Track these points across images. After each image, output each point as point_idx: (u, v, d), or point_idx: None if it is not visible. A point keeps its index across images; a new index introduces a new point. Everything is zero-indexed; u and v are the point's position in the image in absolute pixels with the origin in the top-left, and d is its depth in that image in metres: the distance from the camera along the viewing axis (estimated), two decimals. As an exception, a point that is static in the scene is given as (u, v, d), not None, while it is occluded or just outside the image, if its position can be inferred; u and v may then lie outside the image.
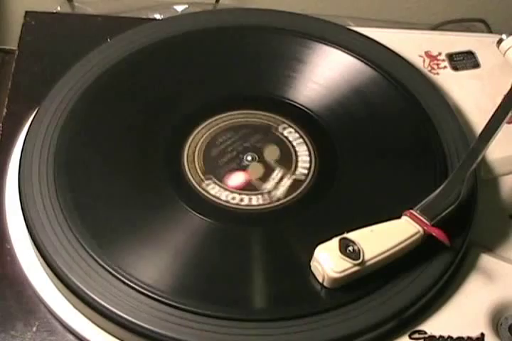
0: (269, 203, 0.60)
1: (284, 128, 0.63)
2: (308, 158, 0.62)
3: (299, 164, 0.62)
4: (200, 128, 0.64)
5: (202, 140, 0.63)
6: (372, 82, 0.66)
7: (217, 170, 0.62)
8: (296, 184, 0.61)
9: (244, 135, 0.63)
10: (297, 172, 0.61)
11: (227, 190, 0.60)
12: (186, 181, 0.61)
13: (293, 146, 0.63)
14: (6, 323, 0.57)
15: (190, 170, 0.61)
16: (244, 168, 0.62)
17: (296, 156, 0.62)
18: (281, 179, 0.61)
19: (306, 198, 0.60)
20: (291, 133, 0.63)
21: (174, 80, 0.66)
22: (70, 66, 0.66)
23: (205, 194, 0.60)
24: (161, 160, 0.61)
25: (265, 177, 0.61)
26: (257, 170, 0.62)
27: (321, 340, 0.53)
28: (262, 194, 0.60)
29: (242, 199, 0.60)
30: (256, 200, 0.60)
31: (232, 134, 0.63)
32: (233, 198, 0.60)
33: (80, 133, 0.62)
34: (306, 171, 0.61)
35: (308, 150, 0.63)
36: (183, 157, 0.62)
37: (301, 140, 0.63)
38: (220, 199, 0.60)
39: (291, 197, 0.60)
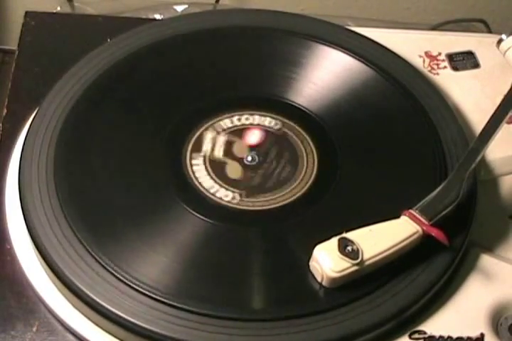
0: (268, 203, 0.60)
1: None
2: (308, 157, 0.62)
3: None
4: (201, 128, 0.64)
5: (203, 140, 0.63)
6: (372, 83, 0.66)
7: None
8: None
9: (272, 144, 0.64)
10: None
11: (207, 173, 0.61)
12: (187, 180, 0.61)
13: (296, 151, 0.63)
14: (6, 323, 0.57)
15: (190, 169, 0.61)
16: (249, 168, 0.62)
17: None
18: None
19: (305, 198, 0.60)
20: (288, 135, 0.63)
21: (174, 80, 0.66)
22: (70, 66, 0.66)
23: (206, 193, 0.60)
24: (162, 160, 0.61)
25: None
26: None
27: (321, 340, 0.53)
28: (233, 192, 0.60)
29: (212, 187, 0.60)
30: (221, 194, 0.60)
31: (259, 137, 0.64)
32: (205, 182, 0.60)
33: (80, 133, 0.62)
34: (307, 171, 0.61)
35: (309, 150, 0.63)
36: (184, 156, 0.62)
37: (302, 142, 0.63)
38: (220, 199, 0.60)
39: (291, 197, 0.60)
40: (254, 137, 0.63)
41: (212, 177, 0.61)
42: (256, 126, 0.64)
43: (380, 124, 0.65)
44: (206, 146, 0.63)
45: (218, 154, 0.62)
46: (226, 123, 0.64)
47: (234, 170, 0.62)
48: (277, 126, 0.64)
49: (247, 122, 0.64)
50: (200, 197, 0.60)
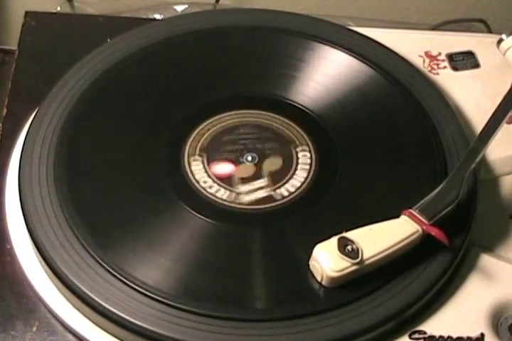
0: (268, 204, 0.60)
1: (303, 150, 0.63)
2: (308, 157, 0.62)
3: (287, 185, 0.61)
4: (200, 128, 0.64)
5: (203, 140, 0.63)
6: (372, 82, 0.66)
7: (214, 153, 0.62)
8: (271, 197, 0.60)
9: (263, 137, 0.63)
10: (277, 191, 0.60)
11: (206, 172, 0.61)
12: (187, 180, 0.61)
13: (296, 168, 0.62)
14: (6, 323, 0.57)
15: (190, 169, 0.61)
16: (237, 163, 0.62)
17: (290, 178, 0.61)
18: (258, 189, 0.61)
19: (305, 198, 0.60)
20: (304, 155, 0.63)
21: (174, 80, 0.66)
22: (70, 66, 0.66)
23: (206, 193, 0.60)
24: (162, 160, 0.61)
25: (248, 180, 0.61)
26: (246, 170, 0.62)
27: (321, 340, 0.53)
28: (231, 191, 0.60)
29: (211, 186, 0.60)
30: (221, 194, 0.60)
31: (251, 131, 0.64)
32: (205, 181, 0.60)
33: (80, 133, 0.62)
34: (286, 193, 0.60)
35: (309, 150, 0.63)
36: (184, 156, 0.62)
37: (302, 142, 0.63)
38: (220, 199, 0.60)
39: (291, 196, 0.60)
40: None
41: (208, 175, 0.61)
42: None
43: (380, 124, 0.65)
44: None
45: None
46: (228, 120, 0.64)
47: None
48: (298, 145, 0.64)
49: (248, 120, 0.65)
50: (201, 196, 0.60)
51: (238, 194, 0.60)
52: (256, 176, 0.61)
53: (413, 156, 0.63)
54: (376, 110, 0.65)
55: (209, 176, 0.61)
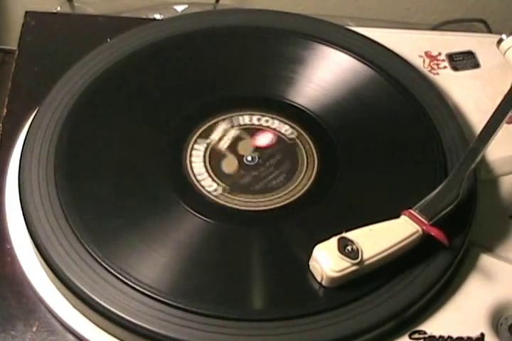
0: (268, 204, 0.60)
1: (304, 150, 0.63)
2: (308, 157, 0.62)
3: (289, 184, 0.61)
4: (200, 128, 0.64)
5: (203, 140, 0.63)
6: (372, 83, 0.66)
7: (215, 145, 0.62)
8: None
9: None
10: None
11: (203, 163, 0.61)
12: (187, 180, 0.61)
13: (296, 168, 0.62)
14: (6, 323, 0.57)
15: (190, 169, 0.61)
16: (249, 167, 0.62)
17: (291, 177, 0.61)
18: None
19: (306, 198, 0.60)
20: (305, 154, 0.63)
21: (174, 80, 0.66)
22: (70, 66, 0.66)
23: (205, 193, 0.60)
24: (162, 160, 0.61)
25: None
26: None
27: (321, 340, 0.53)
28: (219, 185, 0.60)
29: (200, 174, 0.61)
30: (206, 184, 0.60)
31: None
32: (199, 173, 0.61)
33: (80, 133, 0.62)
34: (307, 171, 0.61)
35: (309, 150, 0.63)
36: (184, 156, 0.62)
37: (302, 142, 0.63)
38: (203, 188, 0.60)
39: (291, 196, 0.60)
40: (264, 139, 0.63)
41: (205, 165, 0.61)
42: (270, 130, 0.64)
43: (380, 124, 0.65)
44: (215, 135, 0.63)
45: (223, 145, 0.63)
46: (244, 119, 0.65)
47: (229, 165, 0.62)
48: (289, 132, 0.64)
49: (264, 124, 0.65)
50: (200, 196, 0.60)
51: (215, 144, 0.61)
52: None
53: (413, 156, 0.63)
54: (376, 110, 0.65)
55: (203, 163, 0.61)
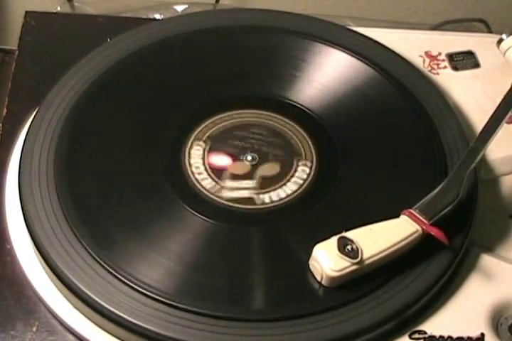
0: (268, 204, 0.60)
1: (304, 165, 0.62)
2: (308, 157, 0.62)
3: (272, 193, 0.60)
4: (201, 128, 0.64)
5: (203, 140, 0.63)
6: (373, 82, 0.66)
7: (217, 144, 0.62)
8: (251, 200, 0.60)
9: (272, 142, 0.63)
10: (260, 196, 0.60)
11: (202, 160, 0.61)
12: (186, 180, 0.61)
13: (289, 180, 0.62)
14: (6, 323, 0.57)
15: (190, 169, 0.61)
16: (235, 159, 0.62)
17: (279, 187, 0.61)
18: (243, 189, 0.60)
19: (305, 198, 0.60)
20: (304, 164, 0.63)
21: (174, 80, 0.66)
22: (70, 66, 0.66)
23: (206, 193, 0.60)
24: (162, 160, 0.61)
25: (237, 178, 0.61)
26: (240, 168, 0.62)
27: (321, 340, 0.53)
28: (217, 183, 0.60)
29: (200, 173, 0.61)
30: (206, 183, 0.60)
31: (263, 133, 0.64)
32: (197, 167, 0.61)
33: (80, 133, 0.62)
34: (268, 200, 0.60)
35: (309, 150, 0.63)
36: (184, 156, 0.62)
37: (302, 141, 0.63)
38: (203, 187, 0.60)
39: (291, 196, 0.60)
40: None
41: (204, 163, 0.62)
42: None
43: (380, 124, 0.65)
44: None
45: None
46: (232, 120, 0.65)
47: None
48: (289, 132, 0.64)
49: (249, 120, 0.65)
50: (201, 196, 0.60)
51: (222, 187, 0.60)
52: (247, 176, 0.61)
53: (413, 156, 0.63)
54: (376, 110, 0.65)
55: (203, 163, 0.61)
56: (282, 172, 0.62)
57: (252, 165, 0.62)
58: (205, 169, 0.61)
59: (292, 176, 0.62)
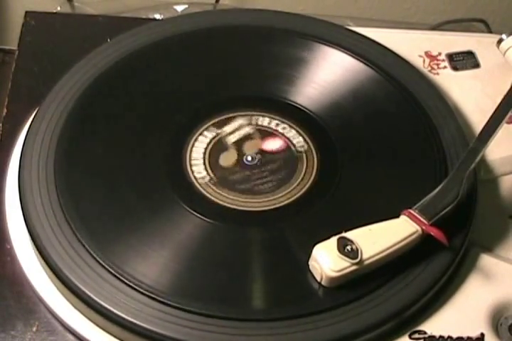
0: (268, 204, 0.60)
1: (304, 151, 0.63)
2: (308, 157, 0.62)
3: (287, 185, 0.61)
4: (201, 128, 0.64)
5: (204, 140, 0.63)
6: (372, 83, 0.66)
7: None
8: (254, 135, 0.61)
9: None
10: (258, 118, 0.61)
11: (204, 147, 0.62)
12: (186, 180, 0.61)
13: (296, 167, 0.62)
14: (6, 323, 0.57)
15: (190, 169, 0.61)
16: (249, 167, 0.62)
17: (291, 176, 0.61)
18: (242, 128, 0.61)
19: (306, 198, 0.60)
20: (305, 153, 0.63)
21: (174, 80, 0.66)
22: (70, 66, 0.66)
23: (205, 193, 0.60)
24: (161, 160, 0.61)
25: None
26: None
27: (321, 340, 0.53)
28: (210, 177, 0.60)
29: (199, 172, 0.61)
30: (202, 176, 0.61)
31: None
32: (199, 172, 0.61)
33: (80, 133, 0.62)
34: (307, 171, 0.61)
35: (309, 150, 0.63)
36: (184, 156, 0.62)
37: (302, 142, 0.63)
38: (220, 199, 0.60)
39: (290, 196, 0.60)
40: (273, 145, 0.63)
41: (204, 152, 0.62)
42: (281, 137, 0.64)
43: (380, 124, 0.65)
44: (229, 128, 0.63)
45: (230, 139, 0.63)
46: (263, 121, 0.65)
47: (227, 159, 0.62)
48: (288, 131, 0.64)
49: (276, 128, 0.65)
50: (200, 196, 0.60)
51: (223, 136, 0.61)
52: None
53: (413, 156, 0.63)
54: (376, 110, 0.65)
55: (203, 150, 0.62)
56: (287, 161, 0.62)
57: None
58: (203, 157, 0.61)
59: (298, 162, 0.62)
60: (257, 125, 0.64)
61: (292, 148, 0.63)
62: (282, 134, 0.64)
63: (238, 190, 0.60)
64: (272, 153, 0.63)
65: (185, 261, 0.56)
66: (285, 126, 0.64)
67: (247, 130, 0.63)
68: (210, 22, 0.70)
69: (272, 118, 0.65)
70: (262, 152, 0.63)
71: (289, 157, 0.63)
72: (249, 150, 0.63)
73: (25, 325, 0.57)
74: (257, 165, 0.62)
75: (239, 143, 0.63)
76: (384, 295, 0.55)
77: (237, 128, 0.63)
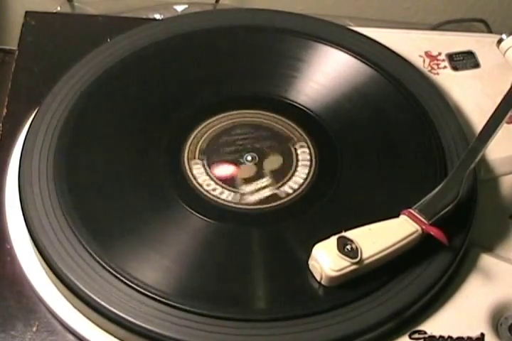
0: (268, 204, 0.60)
1: (301, 147, 0.63)
2: (308, 157, 0.62)
3: (290, 183, 0.61)
4: (200, 127, 0.64)
5: (203, 140, 0.63)
6: (372, 82, 0.66)
7: (213, 155, 0.62)
8: (276, 195, 0.60)
9: (260, 136, 0.63)
10: (281, 189, 0.60)
11: (208, 175, 0.61)
12: (186, 180, 0.61)
13: (297, 165, 0.62)
14: (6, 323, 0.57)
15: (190, 169, 0.61)
16: (238, 164, 0.62)
17: (292, 175, 0.61)
18: (262, 188, 0.60)
19: (305, 198, 0.60)
20: (303, 151, 0.63)
21: (174, 80, 0.66)
22: (70, 66, 0.66)
23: (205, 193, 0.60)
24: (161, 160, 0.61)
25: (250, 180, 0.61)
26: (248, 170, 0.62)
27: (321, 340, 0.53)
28: (235, 192, 0.60)
29: (215, 189, 0.60)
30: (226, 196, 0.60)
31: (248, 131, 0.64)
32: (208, 184, 0.60)
33: (80, 133, 0.62)
34: (291, 191, 0.60)
35: (309, 150, 0.63)
36: (184, 156, 0.62)
37: (302, 142, 0.63)
38: (219, 199, 0.60)
39: (290, 196, 0.60)
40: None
41: (210, 177, 0.61)
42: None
43: (380, 124, 0.65)
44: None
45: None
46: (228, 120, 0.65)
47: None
48: (296, 142, 0.64)
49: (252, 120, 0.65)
50: (201, 196, 0.60)
51: (243, 194, 0.60)
52: (258, 175, 0.61)
53: (413, 156, 0.63)
54: (376, 110, 0.65)
55: (211, 179, 0.61)
56: (286, 160, 0.62)
57: (256, 164, 0.62)
58: (216, 183, 0.61)
59: (298, 160, 0.62)
60: (257, 124, 0.64)
61: (292, 147, 0.63)
62: (282, 134, 0.64)
63: (267, 188, 0.60)
64: (271, 152, 0.63)
65: (186, 261, 0.56)
66: (285, 125, 0.64)
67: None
68: (210, 22, 0.70)
69: (272, 118, 0.65)
70: (256, 149, 0.63)
71: (288, 156, 0.63)
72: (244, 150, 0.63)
73: (25, 325, 0.57)
74: (257, 165, 0.62)
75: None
76: (384, 295, 0.55)
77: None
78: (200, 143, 0.63)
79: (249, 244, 0.57)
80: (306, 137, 0.64)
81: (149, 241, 0.57)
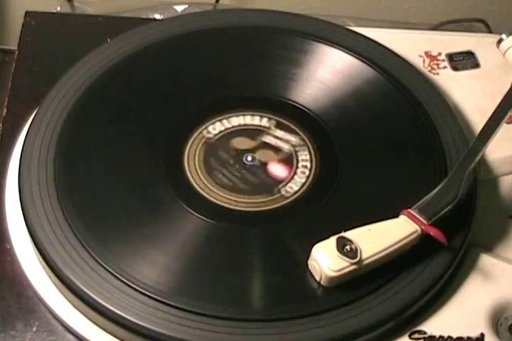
0: (268, 204, 0.60)
1: (301, 147, 0.63)
2: (308, 157, 0.63)
3: (290, 183, 0.61)
4: (200, 128, 0.64)
5: (203, 140, 0.63)
6: (372, 82, 0.66)
7: (213, 156, 0.62)
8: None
9: (260, 136, 0.63)
10: (281, 189, 0.60)
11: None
12: (186, 181, 0.61)
13: (297, 165, 0.62)
14: (6, 323, 0.57)
15: (190, 169, 0.61)
16: (249, 168, 0.62)
17: (292, 175, 0.62)
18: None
19: (305, 198, 0.60)
20: (303, 151, 0.63)
21: (174, 80, 0.66)
22: (70, 66, 0.66)
23: (205, 194, 0.60)
24: (161, 160, 0.61)
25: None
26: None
27: (321, 340, 0.53)
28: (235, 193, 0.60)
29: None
30: (226, 196, 0.60)
31: (248, 131, 0.64)
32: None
33: (80, 133, 0.62)
34: (291, 191, 0.60)
35: (308, 150, 0.63)
36: (184, 156, 0.62)
37: (302, 142, 0.63)
38: (219, 199, 0.60)
39: (291, 197, 0.60)
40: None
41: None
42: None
43: (380, 124, 0.65)
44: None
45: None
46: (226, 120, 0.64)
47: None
48: (298, 140, 0.64)
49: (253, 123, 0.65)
50: (200, 196, 0.60)
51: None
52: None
53: (413, 156, 0.63)
54: (376, 110, 0.65)
55: (211, 179, 0.61)
56: (286, 160, 0.62)
57: (256, 164, 0.62)
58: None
59: (298, 161, 0.62)
60: (256, 125, 0.64)
61: (291, 147, 0.63)
62: (267, 127, 0.64)
63: (238, 190, 0.60)
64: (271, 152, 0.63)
65: (186, 261, 0.56)
66: (285, 125, 0.64)
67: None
68: (210, 22, 0.70)
69: (272, 117, 0.65)
70: (255, 149, 0.63)
71: (288, 157, 0.63)
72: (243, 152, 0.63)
73: (25, 325, 0.57)
74: (257, 165, 0.62)
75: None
76: (384, 295, 0.55)
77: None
78: (201, 143, 0.63)
79: (249, 244, 0.57)
80: (305, 137, 0.64)
81: (149, 241, 0.57)
